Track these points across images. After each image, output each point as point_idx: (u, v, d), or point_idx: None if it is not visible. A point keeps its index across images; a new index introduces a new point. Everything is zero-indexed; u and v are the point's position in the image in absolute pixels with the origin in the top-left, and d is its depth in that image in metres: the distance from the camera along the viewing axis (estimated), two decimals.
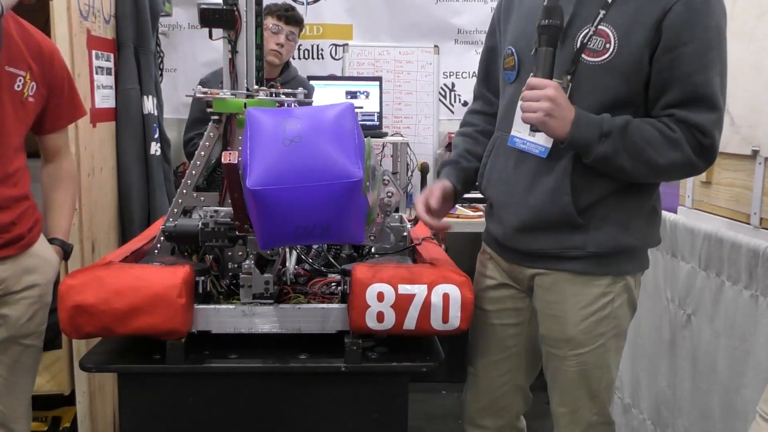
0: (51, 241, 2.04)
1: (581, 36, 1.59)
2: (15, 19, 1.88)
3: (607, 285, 1.68)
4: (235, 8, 1.70)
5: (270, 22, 3.18)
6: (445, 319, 1.54)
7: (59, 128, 2.08)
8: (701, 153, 1.57)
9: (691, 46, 1.52)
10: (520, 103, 1.61)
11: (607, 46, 1.57)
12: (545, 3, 1.64)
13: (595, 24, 1.58)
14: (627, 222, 1.66)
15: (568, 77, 1.59)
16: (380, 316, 1.52)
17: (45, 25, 2.18)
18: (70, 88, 2.06)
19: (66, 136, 2.13)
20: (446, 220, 1.84)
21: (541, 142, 1.64)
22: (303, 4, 3.88)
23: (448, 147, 3.78)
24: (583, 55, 1.59)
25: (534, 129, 1.61)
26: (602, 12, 1.58)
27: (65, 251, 2.08)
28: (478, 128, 1.92)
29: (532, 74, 1.60)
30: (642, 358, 2.61)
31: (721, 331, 2.09)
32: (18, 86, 1.85)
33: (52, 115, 2.01)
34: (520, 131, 1.68)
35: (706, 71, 1.54)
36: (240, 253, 1.67)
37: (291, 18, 3.24)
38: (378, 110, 3.75)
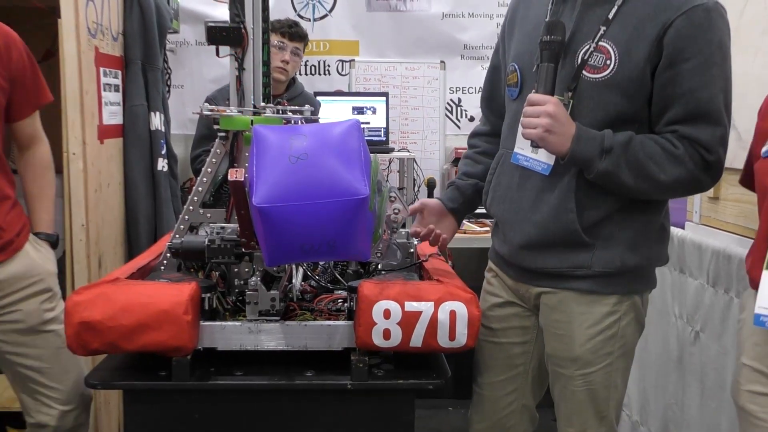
0: (36, 235, 2.06)
1: (582, 52, 1.59)
2: None
3: (613, 304, 1.66)
4: (241, 26, 1.71)
5: (274, 39, 3.18)
6: (452, 336, 1.53)
7: (27, 115, 2.04)
8: (706, 169, 1.56)
9: (693, 62, 1.52)
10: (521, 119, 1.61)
11: (608, 62, 1.56)
12: (547, 19, 1.64)
13: (595, 40, 1.58)
14: (635, 240, 1.64)
15: (569, 94, 1.59)
16: (387, 334, 1.51)
17: (53, 43, 2.19)
18: (33, 75, 2.02)
19: (36, 121, 2.10)
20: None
21: (544, 159, 1.63)
22: (309, 20, 3.90)
23: (455, 162, 3.78)
24: (583, 72, 1.58)
25: (534, 145, 1.60)
26: (603, 28, 1.58)
27: (51, 243, 2.09)
28: (479, 149, 1.95)
29: (533, 90, 1.60)
30: (650, 375, 2.59)
31: (730, 348, 2.07)
32: None
33: (18, 103, 1.98)
34: (523, 148, 1.67)
35: (709, 87, 1.53)
36: (246, 270, 1.67)
37: (295, 34, 3.25)
38: (384, 126, 3.76)
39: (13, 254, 1.95)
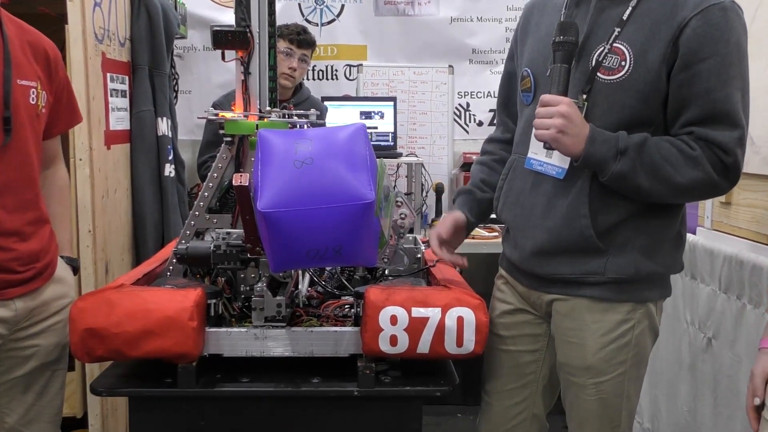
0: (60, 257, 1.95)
1: (596, 54, 1.57)
2: (13, 22, 1.76)
3: (627, 312, 1.63)
4: (247, 30, 1.70)
5: (282, 45, 3.18)
6: (460, 342, 1.51)
7: (56, 134, 1.96)
8: (724, 172, 1.52)
9: (709, 62, 1.49)
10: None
11: (623, 63, 1.54)
12: (560, 20, 1.62)
13: (610, 42, 1.55)
14: (650, 247, 1.61)
15: (584, 96, 1.57)
16: (393, 340, 1.50)
17: (60, 49, 2.19)
18: (68, 93, 1.95)
19: (59, 142, 2.01)
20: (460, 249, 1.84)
21: (557, 162, 1.61)
22: (317, 25, 3.90)
23: (463, 167, 3.77)
24: (598, 74, 1.56)
25: (547, 147, 1.58)
26: (617, 29, 1.55)
27: (74, 268, 2.01)
28: (495, 157, 1.90)
29: (547, 92, 1.58)
30: (661, 382, 2.56)
31: (743, 355, 2.04)
32: (32, 99, 1.75)
33: (51, 121, 1.88)
34: (536, 153, 1.65)
35: (726, 87, 1.50)
36: (252, 276, 1.66)
37: (303, 41, 3.25)
38: (392, 130, 3.75)
39: (50, 278, 1.85)
